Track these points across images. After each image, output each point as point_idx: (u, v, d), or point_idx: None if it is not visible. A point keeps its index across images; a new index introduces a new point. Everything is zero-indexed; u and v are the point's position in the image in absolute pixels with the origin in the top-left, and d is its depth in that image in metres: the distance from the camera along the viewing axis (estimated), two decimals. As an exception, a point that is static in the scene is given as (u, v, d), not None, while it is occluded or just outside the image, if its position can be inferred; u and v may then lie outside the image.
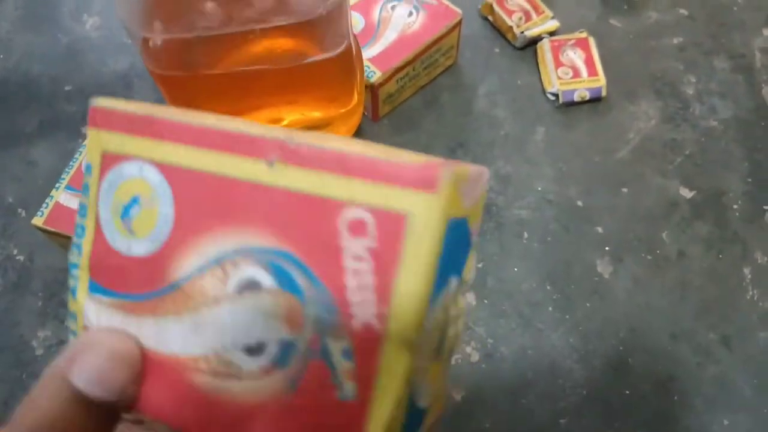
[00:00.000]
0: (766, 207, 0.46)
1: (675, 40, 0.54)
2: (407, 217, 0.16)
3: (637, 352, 0.41)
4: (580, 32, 0.52)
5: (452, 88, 0.51)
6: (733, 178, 0.47)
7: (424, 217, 0.16)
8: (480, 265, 0.43)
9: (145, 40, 0.35)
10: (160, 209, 0.18)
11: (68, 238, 0.41)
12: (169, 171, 0.19)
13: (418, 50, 0.46)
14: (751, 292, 0.42)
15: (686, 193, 0.46)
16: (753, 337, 0.41)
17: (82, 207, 0.20)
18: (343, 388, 0.16)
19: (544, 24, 0.52)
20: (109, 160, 0.20)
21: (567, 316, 0.42)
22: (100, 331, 0.19)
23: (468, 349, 0.41)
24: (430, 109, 0.50)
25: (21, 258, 0.45)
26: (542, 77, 0.51)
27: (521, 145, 0.49)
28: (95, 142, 0.20)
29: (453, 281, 0.18)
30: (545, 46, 0.51)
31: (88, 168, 0.20)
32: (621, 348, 0.41)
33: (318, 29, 0.35)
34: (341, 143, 0.17)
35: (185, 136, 0.18)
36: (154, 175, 0.19)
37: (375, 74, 0.45)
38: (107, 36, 0.55)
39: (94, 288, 0.20)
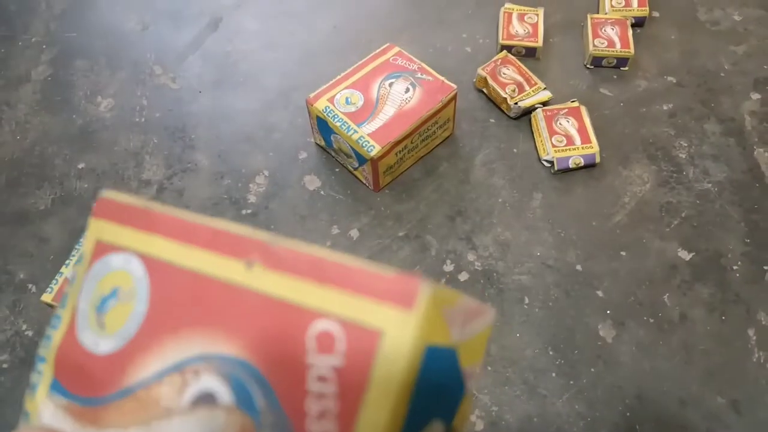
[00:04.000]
0: (766, 267, 0.46)
1: (665, 107, 0.55)
2: (379, 336, 0.14)
3: (645, 419, 0.40)
4: (572, 102, 0.54)
5: (450, 158, 0.53)
6: (731, 239, 0.48)
7: (397, 337, 0.14)
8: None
9: None
10: (135, 305, 0.18)
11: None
12: (152, 265, 0.18)
13: (415, 124, 0.48)
14: (756, 355, 0.42)
15: (685, 256, 0.47)
16: (762, 401, 0.40)
17: (65, 297, 0.20)
18: None
19: (537, 95, 0.54)
20: (101, 250, 0.19)
21: (571, 382, 0.41)
22: (33, 430, 0.18)
23: (472, 417, 0.40)
24: (429, 178, 0.52)
25: (30, 333, 0.46)
26: (537, 145, 0.53)
27: (519, 212, 0.50)
28: (92, 231, 0.20)
29: (436, 425, 0.16)
30: (539, 116, 0.53)
31: (81, 257, 0.20)
32: (628, 414, 0.40)
33: None
34: (322, 252, 0.16)
35: (175, 230, 0.18)
36: (138, 269, 0.18)
37: (374, 148, 0.46)
38: (120, 116, 0.58)
39: (56, 387, 0.19)
